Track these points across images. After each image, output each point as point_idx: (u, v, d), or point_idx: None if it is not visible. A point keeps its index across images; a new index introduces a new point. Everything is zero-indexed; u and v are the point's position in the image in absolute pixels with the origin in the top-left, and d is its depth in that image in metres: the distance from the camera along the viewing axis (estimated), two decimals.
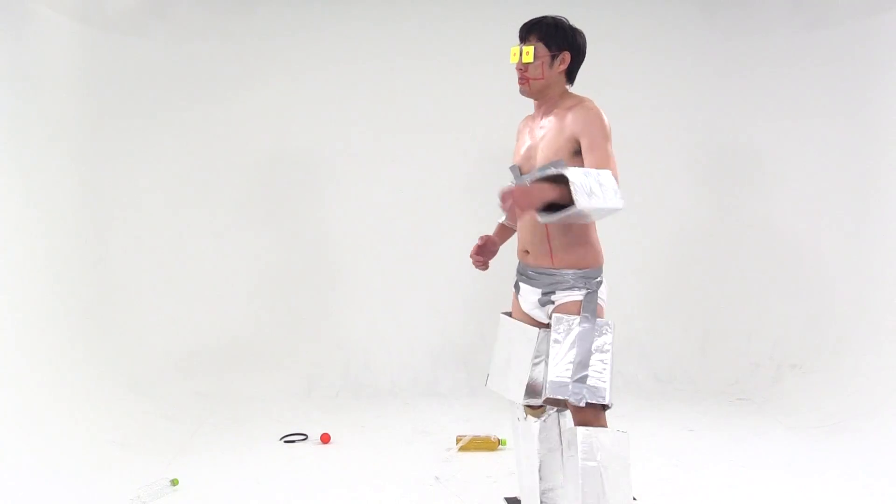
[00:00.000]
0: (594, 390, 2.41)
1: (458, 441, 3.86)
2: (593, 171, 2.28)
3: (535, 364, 2.59)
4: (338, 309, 5.18)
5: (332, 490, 3.32)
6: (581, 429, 2.39)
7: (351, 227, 5.22)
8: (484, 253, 2.85)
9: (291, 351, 5.04)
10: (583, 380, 2.41)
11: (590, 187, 2.21)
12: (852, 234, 4.77)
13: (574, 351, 2.44)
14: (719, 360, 5.11)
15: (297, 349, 5.05)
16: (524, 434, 2.81)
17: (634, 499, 2.49)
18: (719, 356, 5.14)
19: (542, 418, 2.75)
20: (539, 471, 2.77)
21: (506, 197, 2.26)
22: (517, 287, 2.73)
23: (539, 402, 2.66)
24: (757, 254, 5.21)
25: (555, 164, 2.46)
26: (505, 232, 2.94)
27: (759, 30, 5.17)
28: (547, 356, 2.49)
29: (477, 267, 2.86)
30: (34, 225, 4.08)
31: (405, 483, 3.40)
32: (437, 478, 3.46)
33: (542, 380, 2.55)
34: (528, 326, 2.65)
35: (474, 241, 2.85)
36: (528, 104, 2.73)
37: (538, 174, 2.39)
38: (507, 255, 2.91)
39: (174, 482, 3.30)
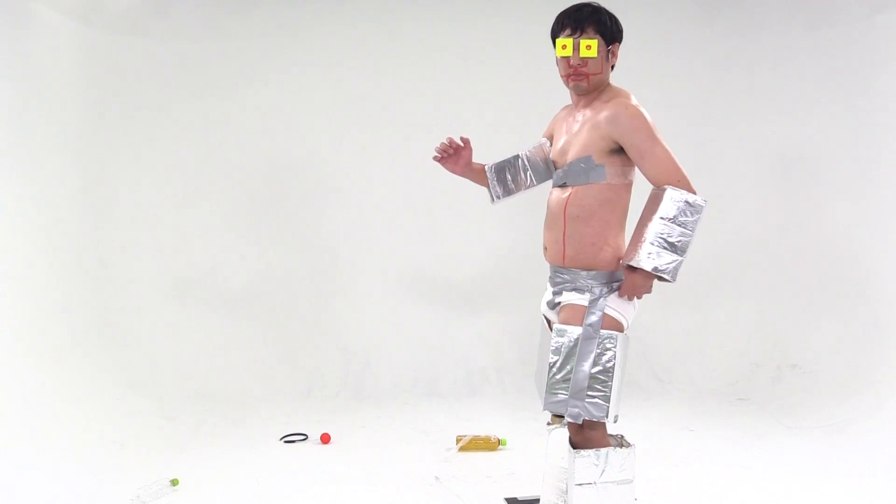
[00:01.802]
0: (593, 408, 2.30)
1: (458, 441, 3.85)
2: (657, 219, 2.31)
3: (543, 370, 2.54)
4: (338, 309, 5.18)
5: (333, 490, 3.32)
6: (573, 451, 2.31)
7: (351, 227, 5.22)
8: (450, 154, 2.70)
9: (291, 351, 5.04)
10: (580, 397, 2.30)
11: (666, 242, 2.34)
12: (850, 233, 4.77)
13: (571, 366, 2.33)
14: (719, 360, 5.11)
15: (297, 349, 5.05)
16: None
17: (635, 499, 2.47)
18: (719, 356, 5.13)
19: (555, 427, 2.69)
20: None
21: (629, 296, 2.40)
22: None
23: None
24: (756, 254, 5.21)
25: (583, 160, 2.40)
26: (481, 176, 2.79)
27: (759, 29, 5.17)
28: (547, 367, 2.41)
29: (435, 152, 2.73)
30: (34, 225, 4.07)
31: (405, 483, 3.39)
32: (437, 478, 3.45)
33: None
34: (546, 330, 2.61)
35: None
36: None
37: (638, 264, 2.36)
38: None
39: (174, 482, 3.30)
